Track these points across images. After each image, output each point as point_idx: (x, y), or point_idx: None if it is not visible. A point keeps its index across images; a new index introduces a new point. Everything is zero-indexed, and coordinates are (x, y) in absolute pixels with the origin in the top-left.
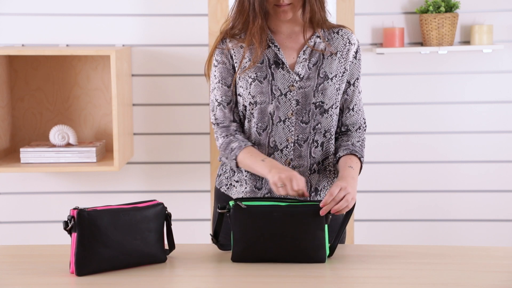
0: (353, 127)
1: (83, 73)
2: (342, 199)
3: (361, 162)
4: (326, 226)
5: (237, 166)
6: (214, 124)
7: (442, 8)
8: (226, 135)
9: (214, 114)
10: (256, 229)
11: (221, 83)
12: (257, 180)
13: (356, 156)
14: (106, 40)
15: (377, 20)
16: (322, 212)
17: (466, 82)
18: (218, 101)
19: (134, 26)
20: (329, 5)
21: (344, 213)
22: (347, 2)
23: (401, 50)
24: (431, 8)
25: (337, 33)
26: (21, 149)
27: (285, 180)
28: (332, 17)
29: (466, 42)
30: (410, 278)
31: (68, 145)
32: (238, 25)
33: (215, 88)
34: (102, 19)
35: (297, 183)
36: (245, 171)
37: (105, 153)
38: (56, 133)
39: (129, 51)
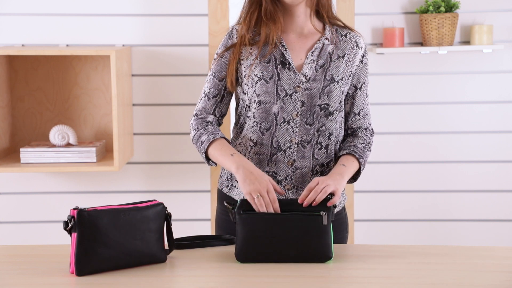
0: (360, 130)
1: (83, 73)
2: (321, 191)
3: (360, 164)
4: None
5: (208, 160)
6: (193, 116)
7: (442, 8)
8: (198, 128)
9: (197, 105)
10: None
11: (213, 76)
12: None
13: (355, 156)
14: (106, 40)
15: (377, 20)
16: (305, 204)
17: (466, 82)
18: (205, 92)
19: (134, 26)
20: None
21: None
22: (347, 2)
23: (401, 50)
24: (431, 8)
25: (345, 36)
26: (21, 149)
27: (262, 192)
28: None
29: (466, 42)
30: (410, 278)
31: (68, 145)
32: (252, 21)
33: (207, 81)
34: (102, 19)
35: (273, 197)
36: None
37: (105, 153)
38: (56, 133)
39: (129, 51)
